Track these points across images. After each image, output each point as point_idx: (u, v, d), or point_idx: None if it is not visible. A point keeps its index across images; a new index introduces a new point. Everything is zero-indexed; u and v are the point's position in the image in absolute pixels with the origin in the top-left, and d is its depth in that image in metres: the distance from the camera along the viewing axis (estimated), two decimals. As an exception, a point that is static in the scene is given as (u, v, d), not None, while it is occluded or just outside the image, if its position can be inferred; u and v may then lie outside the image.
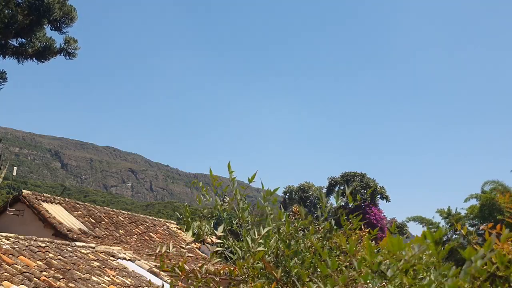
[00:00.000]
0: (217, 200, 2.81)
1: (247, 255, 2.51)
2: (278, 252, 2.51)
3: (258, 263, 2.43)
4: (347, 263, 2.49)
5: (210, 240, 19.20)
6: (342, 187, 38.93)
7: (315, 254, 2.53)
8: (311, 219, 2.79)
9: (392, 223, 35.94)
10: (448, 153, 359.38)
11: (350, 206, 37.04)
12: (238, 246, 2.67)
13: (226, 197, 2.95)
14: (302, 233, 2.73)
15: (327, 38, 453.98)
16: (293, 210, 3.68)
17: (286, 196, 39.31)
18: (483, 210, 22.01)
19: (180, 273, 2.50)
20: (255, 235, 2.54)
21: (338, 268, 2.22)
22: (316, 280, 2.23)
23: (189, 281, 2.54)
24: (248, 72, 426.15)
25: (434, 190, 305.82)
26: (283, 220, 2.75)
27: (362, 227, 2.97)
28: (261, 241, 2.51)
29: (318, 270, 2.35)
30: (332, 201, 40.52)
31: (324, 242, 2.61)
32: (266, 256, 2.52)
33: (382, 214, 34.63)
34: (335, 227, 2.68)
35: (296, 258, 2.42)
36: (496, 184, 23.48)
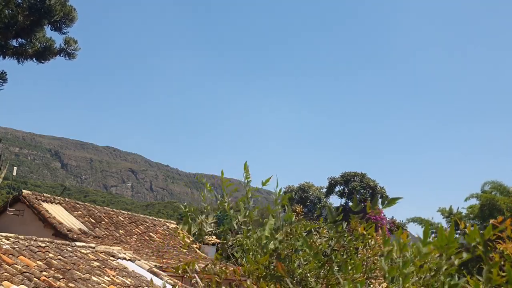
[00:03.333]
0: (224, 197, 2.81)
1: (251, 254, 2.51)
2: (283, 252, 2.50)
3: (263, 264, 2.42)
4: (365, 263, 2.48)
5: (210, 240, 19.19)
6: (342, 187, 38.94)
7: (325, 255, 2.52)
8: (322, 220, 2.78)
9: (392, 223, 35.85)
10: (448, 152, 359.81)
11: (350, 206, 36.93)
12: (240, 244, 2.67)
13: (225, 196, 2.94)
14: (306, 233, 2.72)
15: (327, 37, 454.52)
16: (296, 209, 3.68)
17: (282, 195, 39.28)
18: (483, 210, 22.04)
19: (190, 274, 2.49)
20: (260, 234, 2.53)
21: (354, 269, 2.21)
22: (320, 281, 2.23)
23: (191, 281, 2.54)
24: (248, 72, 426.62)
25: (434, 190, 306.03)
26: (289, 220, 2.74)
27: (380, 229, 2.96)
28: (266, 240, 2.51)
29: (321, 272, 2.35)
30: (332, 201, 40.50)
31: (331, 243, 2.60)
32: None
33: (382, 214, 34.61)
34: (346, 229, 2.67)
35: (301, 259, 2.41)
36: (495, 184, 23.50)
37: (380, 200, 2.31)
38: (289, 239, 2.55)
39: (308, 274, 2.35)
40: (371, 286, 2.35)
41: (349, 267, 2.18)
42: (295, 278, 2.36)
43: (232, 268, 2.59)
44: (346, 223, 2.73)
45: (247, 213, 2.67)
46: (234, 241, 2.82)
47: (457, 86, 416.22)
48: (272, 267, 2.41)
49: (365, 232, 2.61)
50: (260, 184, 2.90)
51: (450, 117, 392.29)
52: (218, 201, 2.86)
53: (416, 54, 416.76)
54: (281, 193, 2.75)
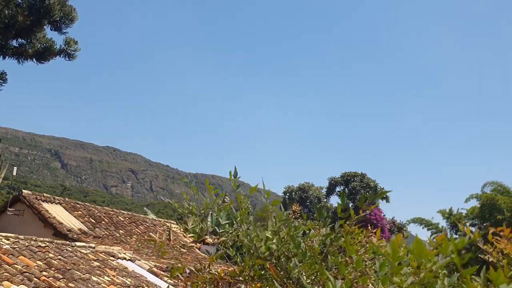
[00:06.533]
0: (214, 202, 2.81)
1: (247, 255, 2.51)
2: (279, 253, 2.51)
3: (258, 265, 2.42)
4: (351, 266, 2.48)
5: (210, 240, 19.20)
6: (342, 187, 38.93)
7: (320, 254, 2.52)
8: (311, 224, 2.78)
9: (392, 223, 35.77)
10: (448, 152, 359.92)
11: (351, 206, 36.98)
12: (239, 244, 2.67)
13: (226, 197, 2.95)
14: (302, 233, 2.73)
15: (328, 38, 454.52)
16: (293, 209, 3.68)
17: (286, 196, 39.30)
18: (483, 210, 22.03)
19: (182, 276, 2.49)
20: (256, 235, 2.53)
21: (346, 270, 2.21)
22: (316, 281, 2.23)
23: (189, 282, 2.54)
24: (249, 72, 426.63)
25: (434, 190, 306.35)
26: (283, 220, 2.74)
27: (369, 227, 2.96)
28: (262, 242, 2.51)
29: (315, 271, 2.35)
30: (332, 201, 40.49)
31: (327, 242, 2.60)
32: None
33: (382, 214, 34.62)
34: (339, 229, 2.67)
35: (296, 259, 2.41)
36: (496, 185, 23.49)
37: (367, 197, 2.31)
38: (284, 240, 2.55)
39: (304, 275, 2.35)
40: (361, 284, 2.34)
41: (338, 267, 2.18)
42: (292, 279, 2.36)
43: (229, 269, 2.59)
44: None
45: (241, 219, 2.67)
46: (232, 241, 2.83)
47: (457, 87, 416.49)
48: (268, 267, 2.41)
49: (354, 231, 2.61)
50: (260, 185, 2.90)
51: (451, 117, 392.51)
52: (212, 203, 2.86)
53: (416, 54, 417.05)
54: (270, 194, 2.75)
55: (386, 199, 38.14)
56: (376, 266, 1.75)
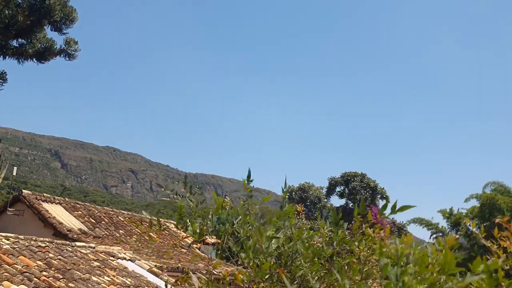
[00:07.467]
0: (221, 200, 2.80)
1: (254, 258, 2.49)
2: (286, 253, 2.49)
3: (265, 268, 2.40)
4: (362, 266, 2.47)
5: (210, 241, 19.19)
6: (342, 187, 38.92)
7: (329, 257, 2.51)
8: (324, 224, 2.77)
9: (392, 224, 35.68)
10: (448, 152, 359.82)
11: (351, 206, 36.97)
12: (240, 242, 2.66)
13: (226, 197, 2.95)
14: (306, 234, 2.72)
15: (328, 38, 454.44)
16: (297, 209, 3.67)
17: (286, 196, 39.27)
18: (483, 210, 22.01)
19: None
20: (260, 236, 2.52)
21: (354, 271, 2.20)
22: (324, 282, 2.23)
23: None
24: (249, 72, 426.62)
25: (434, 190, 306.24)
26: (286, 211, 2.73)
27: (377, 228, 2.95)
28: (267, 243, 2.50)
29: (322, 273, 2.34)
30: (333, 201, 40.46)
31: (334, 245, 2.58)
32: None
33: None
34: (347, 230, 2.66)
35: (303, 260, 2.40)
36: (496, 185, 23.49)
37: (390, 206, 2.29)
38: (289, 240, 2.53)
39: (310, 275, 2.34)
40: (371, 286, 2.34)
41: (350, 269, 2.17)
42: (296, 280, 2.35)
43: (231, 269, 2.58)
44: (346, 224, 2.72)
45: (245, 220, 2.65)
46: (235, 242, 2.81)
47: (458, 86, 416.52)
48: (275, 268, 2.40)
49: (372, 235, 2.59)
50: (260, 184, 2.90)
51: (451, 117, 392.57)
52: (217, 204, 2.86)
53: (416, 54, 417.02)
54: (286, 197, 2.76)
55: (386, 199, 38.13)
56: (382, 267, 1.74)
